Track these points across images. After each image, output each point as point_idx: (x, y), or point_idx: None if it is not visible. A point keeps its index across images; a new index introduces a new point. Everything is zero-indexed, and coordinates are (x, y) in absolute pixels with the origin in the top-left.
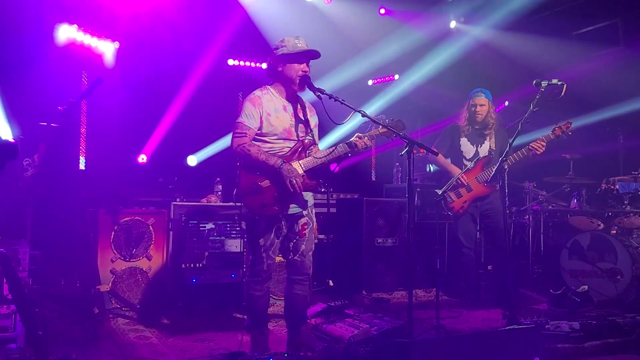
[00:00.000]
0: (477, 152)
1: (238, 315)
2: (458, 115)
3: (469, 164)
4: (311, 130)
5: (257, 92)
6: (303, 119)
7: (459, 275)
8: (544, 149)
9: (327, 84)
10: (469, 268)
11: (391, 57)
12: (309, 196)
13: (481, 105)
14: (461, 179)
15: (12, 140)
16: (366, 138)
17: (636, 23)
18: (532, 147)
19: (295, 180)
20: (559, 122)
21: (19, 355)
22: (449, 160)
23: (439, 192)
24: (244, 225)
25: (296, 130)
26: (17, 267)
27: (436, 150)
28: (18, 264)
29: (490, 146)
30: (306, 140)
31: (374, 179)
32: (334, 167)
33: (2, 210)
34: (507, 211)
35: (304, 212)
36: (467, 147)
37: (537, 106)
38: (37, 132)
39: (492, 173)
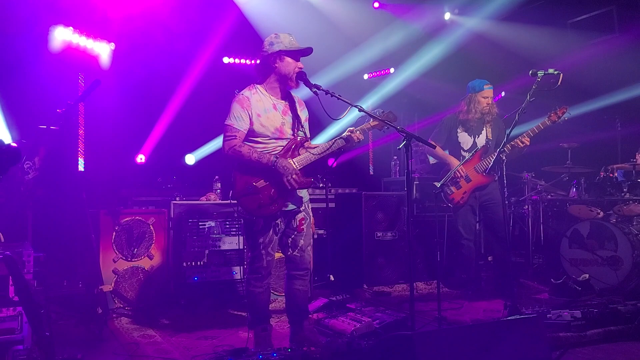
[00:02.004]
0: (474, 143)
1: (239, 312)
2: (455, 107)
3: (467, 155)
4: (302, 126)
5: (246, 93)
6: (294, 115)
7: (459, 267)
8: (528, 142)
9: (323, 79)
10: (469, 259)
11: (386, 50)
12: (303, 192)
13: (491, 97)
14: (459, 170)
15: (15, 144)
16: (358, 132)
17: (631, 10)
18: (515, 143)
19: (292, 177)
20: (555, 108)
21: (26, 357)
22: (446, 152)
23: (438, 184)
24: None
25: (289, 129)
26: (22, 270)
27: (433, 143)
28: (23, 266)
29: (487, 136)
30: (299, 137)
31: (371, 172)
32: (331, 162)
33: (4, 214)
34: (507, 202)
35: (300, 209)
36: (464, 138)
37: (534, 96)
38: (37, 135)
39: (491, 162)
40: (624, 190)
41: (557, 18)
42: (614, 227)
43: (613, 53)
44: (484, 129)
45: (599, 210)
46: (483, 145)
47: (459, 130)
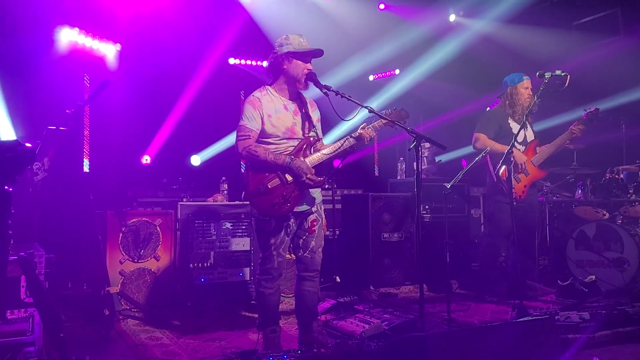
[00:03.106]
0: (525, 136)
1: (247, 314)
2: (458, 109)
3: (521, 148)
4: (314, 126)
5: (257, 94)
6: (305, 115)
7: (483, 264)
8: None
9: (329, 80)
10: (492, 259)
11: (392, 52)
12: (316, 193)
13: (530, 88)
14: (522, 163)
15: (29, 145)
16: (370, 129)
17: (636, 12)
18: (573, 130)
19: (308, 177)
20: (587, 108)
21: (37, 358)
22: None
23: (448, 185)
24: (252, 223)
25: (300, 129)
26: (35, 271)
27: (443, 145)
28: (35, 268)
29: (533, 129)
30: (310, 137)
31: (377, 174)
32: (337, 163)
33: (13, 215)
34: (514, 203)
35: (313, 209)
36: (516, 131)
37: (541, 97)
38: (47, 136)
39: (545, 156)
40: (630, 191)
41: (562, 20)
42: (620, 228)
43: (618, 54)
44: (528, 122)
45: (605, 212)
46: (533, 139)
47: (510, 122)
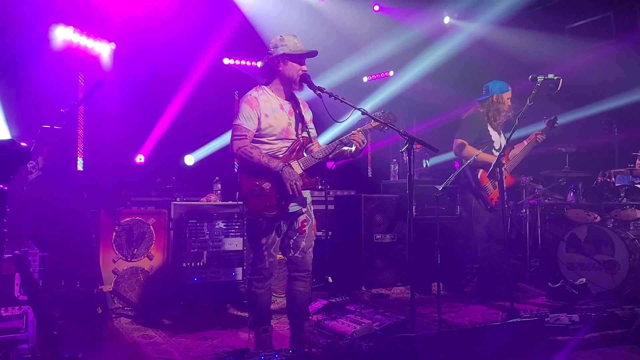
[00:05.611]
0: (501, 143)
1: (239, 313)
2: (458, 110)
3: (496, 154)
4: (307, 127)
5: (254, 93)
6: (299, 116)
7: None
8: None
9: (323, 81)
10: (500, 264)
11: (386, 53)
12: (307, 194)
13: (510, 98)
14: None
15: (24, 144)
16: (360, 133)
17: (628, 16)
18: (538, 138)
19: (296, 184)
20: (547, 117)
21: (30, 356)
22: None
23: (440, 187)
24: (245, 223)
25: (294, 129)
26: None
27: (435, 147)
28: (29, 266)
29: (506, 136)
30: (303, 139)
31: (370, 175)
32: (330, 164)
33: (8, 214)
34: (505, 205)
35: (303, 210)
36: (495, 137)
37: (534, 100)
38: (41, 135)
39: (516, 163)
40: (621, 195)
41: (555, 23)
42: (611, 231)
43: (610, 59)
44: (502, 128)
45: (596, 215)
46: (508, 146)
47: (489, 129)
